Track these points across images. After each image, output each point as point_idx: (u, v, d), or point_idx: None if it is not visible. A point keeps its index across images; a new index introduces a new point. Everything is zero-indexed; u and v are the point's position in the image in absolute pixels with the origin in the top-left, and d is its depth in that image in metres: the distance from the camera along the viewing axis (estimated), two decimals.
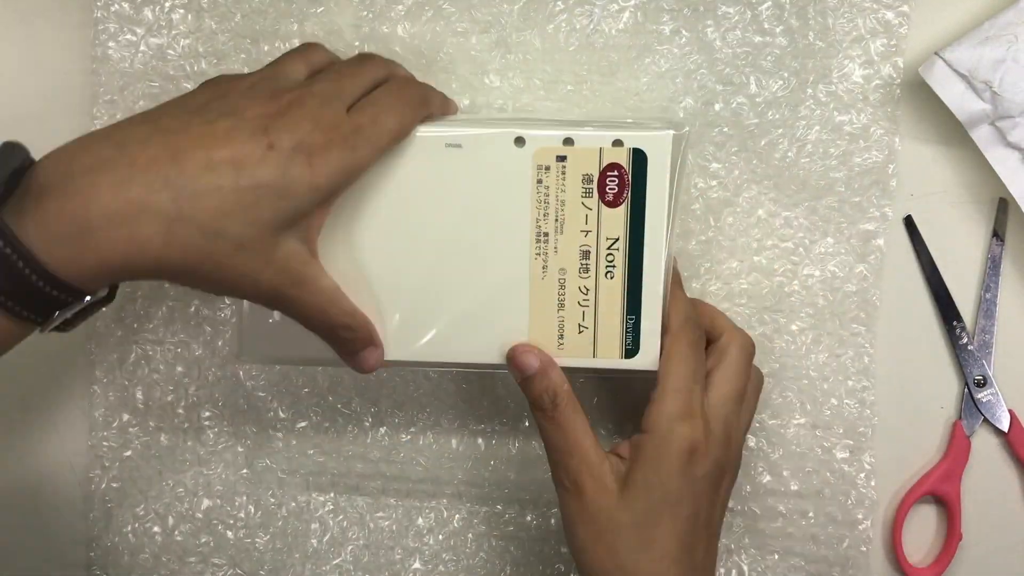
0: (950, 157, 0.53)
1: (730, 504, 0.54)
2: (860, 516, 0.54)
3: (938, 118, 0.52)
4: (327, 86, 0.40)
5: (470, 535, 0.55)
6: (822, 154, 0.52)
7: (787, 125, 0.52)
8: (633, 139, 0.43)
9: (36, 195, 0.34)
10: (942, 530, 0.55)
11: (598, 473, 0.43)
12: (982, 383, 0.54)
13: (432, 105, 0.44)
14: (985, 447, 0.54)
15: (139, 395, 0.54)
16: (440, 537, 0.56)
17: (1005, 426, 0.54)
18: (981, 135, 0.50)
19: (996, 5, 0.51)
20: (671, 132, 0.44)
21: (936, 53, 0.50)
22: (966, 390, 0.54)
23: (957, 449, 0.54)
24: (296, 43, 0.52)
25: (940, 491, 0.54)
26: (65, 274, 0.33)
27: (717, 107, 0.52)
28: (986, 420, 0.54)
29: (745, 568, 0.55)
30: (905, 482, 0.55)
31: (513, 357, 0.44)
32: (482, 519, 0.55)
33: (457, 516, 0.55)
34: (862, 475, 0.54)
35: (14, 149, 0.36)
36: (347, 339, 0.42)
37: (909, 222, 0.54)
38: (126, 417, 0.54)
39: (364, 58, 0.44)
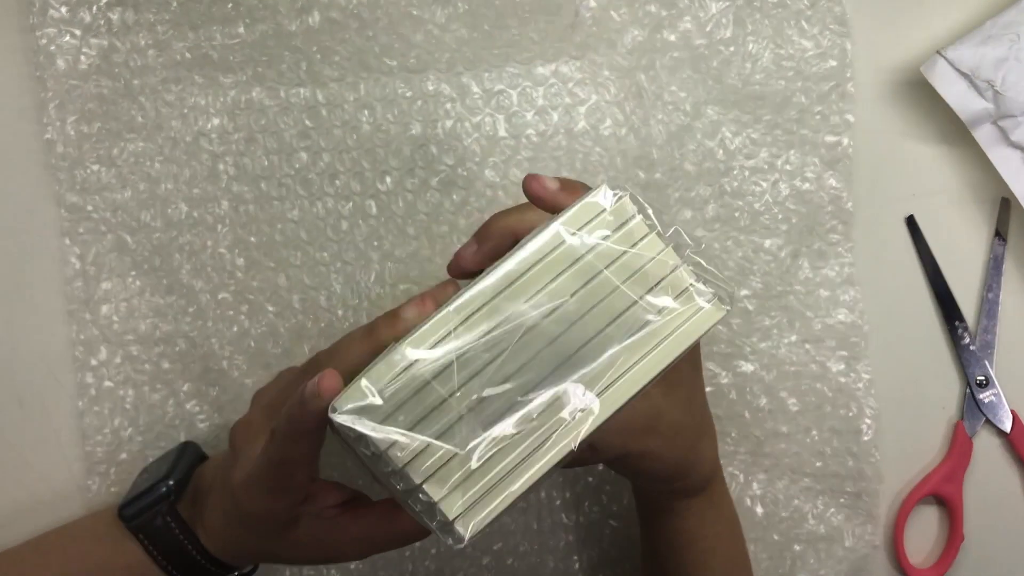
0: (952, 156, 0.53)
1: (732, 433, 0.53)
2: (864, 427, 0.53)
3: (940, 117, 0.52)
4: None
5: None
6: (776, 67, 0.52)
7: (737, 43, 0.52)
8: None
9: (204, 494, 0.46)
10: (944, 531, 0.55)
11: None
12: (984, 383, 0.53)
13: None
14: (987, 448, 0.54)
15: (129, 393, 0.54)
16: None
17: (1007, 427, 0.53)
18: (983, 134, 0.50)
19: (998, 4, 0.51)
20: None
21: (938, 52, 0.50)
22: (968, 391, 0.53)
23: (959, 450, 0.53)
24: (241, 29, 0.52)
25: (942, 492, 0.53)
26: (221, 556, 0.45)
27: (664, 33, 0.52)
28: (988, 421, 0.53)
29: (757, 496, 0.54)
30: (907, 483, 0.54)
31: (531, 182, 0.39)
32: None
33: None
34: (860, 384, 0.53)
35: (191, 449, 0.50)
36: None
37: (911, 222, 0.53)
38: (117, 421, 0.54)
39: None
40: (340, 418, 0.34)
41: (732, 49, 0.52)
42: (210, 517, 0.44)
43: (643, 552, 0.50)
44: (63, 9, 0.52)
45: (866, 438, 0.53)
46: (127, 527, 0.46)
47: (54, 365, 0.54)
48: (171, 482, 0.46)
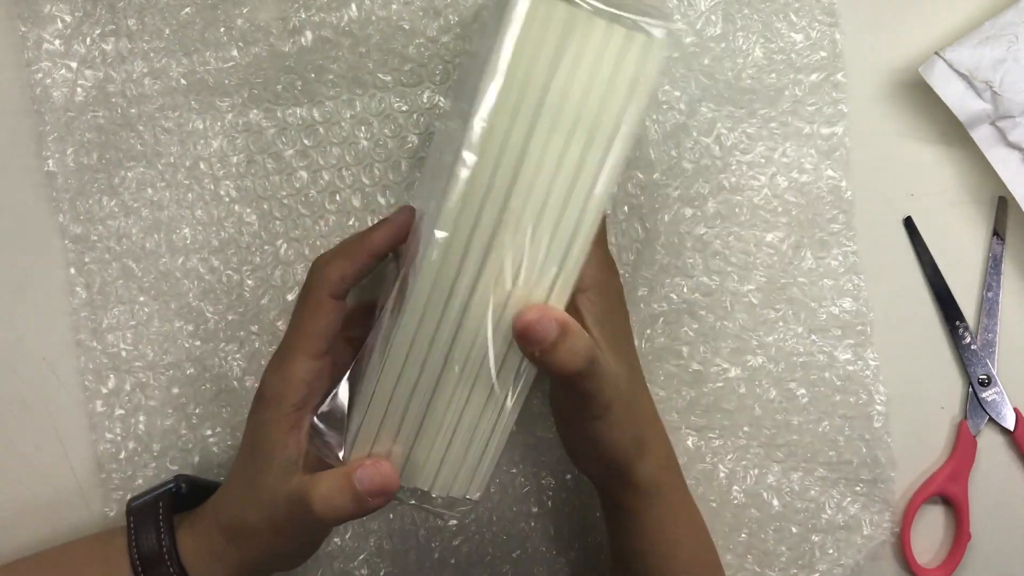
0: (950, 157, 0.53)
1: (744, 427, 0.54)
2: (875, 413, 0.53)
3: (938, 118, 0.52)
4: None
5: (493, 511, 0.55)
6: (768, 61, 0.52)
7: (727, 39, 0.52)
8: None
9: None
10: (950, 530, 0.55)
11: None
12: (986, 382, 0.53)
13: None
14: (991, 446, 0.54)
15: (141, 420, 0.54)
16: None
17: (1011, 425, 0.53)
18: (982, 135, 0.51)
19: (996, 5, 0.51)
20: None
21: (937, 53, 0.50)
22: (970, 389, 0.54)
23: (963, 449, 0.53)
24: (235, 53, 0.52)
25: (948, 491, 0.53)
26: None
27: None
28: (992, 419, 0.53)
29: (772, 488, 0.54)
30: (912, 483, 0.54)
31: (524, 329, 0.38)
32: (501, 493, 0.55)
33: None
34: (868, 372, 0.53)
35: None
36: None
37: (909, 223, 0.54)
38: (131, 447, 0.54)
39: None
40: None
41: (723, 45, 0.52)
42: (214, 533, 0.45)
43: (612, 558, 0.50)
44: (57, 43, 0.52)
45: (878, 424, 0.53)
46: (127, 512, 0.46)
47: (64, 395, 0.54)
48: (183, 485, 0.48)
